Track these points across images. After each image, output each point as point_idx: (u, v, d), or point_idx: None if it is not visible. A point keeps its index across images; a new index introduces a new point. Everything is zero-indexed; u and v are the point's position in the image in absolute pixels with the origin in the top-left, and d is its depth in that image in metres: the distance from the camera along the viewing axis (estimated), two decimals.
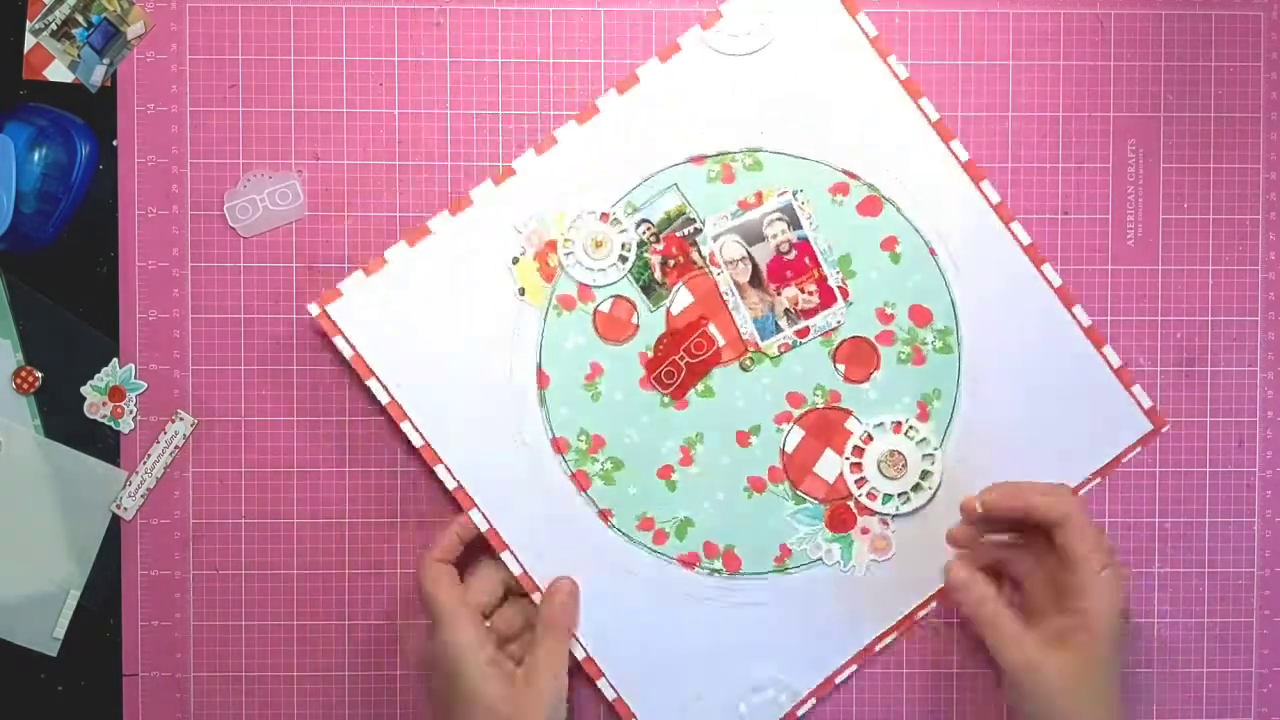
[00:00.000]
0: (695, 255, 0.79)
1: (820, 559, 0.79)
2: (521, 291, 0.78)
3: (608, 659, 0.79)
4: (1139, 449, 0.80)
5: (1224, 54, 0.80)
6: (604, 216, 0.78)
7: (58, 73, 0.78)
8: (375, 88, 0.79)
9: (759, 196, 0.79)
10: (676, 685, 0.79)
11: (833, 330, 0.79)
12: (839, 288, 0.79)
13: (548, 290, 0.78)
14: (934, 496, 0.79)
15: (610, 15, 0.79)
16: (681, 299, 0.79)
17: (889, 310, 0.79)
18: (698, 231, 0.79)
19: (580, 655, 0.78)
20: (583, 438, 0.79)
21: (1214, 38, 0.80)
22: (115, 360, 0.79)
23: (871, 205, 0.79)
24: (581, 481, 0.79)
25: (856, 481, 0.79)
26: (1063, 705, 0.70)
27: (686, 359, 0.79)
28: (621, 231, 0.78)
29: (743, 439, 0.79)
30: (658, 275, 0.79)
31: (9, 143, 0.76)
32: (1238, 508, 0.80)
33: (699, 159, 0.79)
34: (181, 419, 0.79)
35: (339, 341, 0.77)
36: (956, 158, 0.79)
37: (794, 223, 0.79)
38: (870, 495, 0.79)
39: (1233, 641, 0.81)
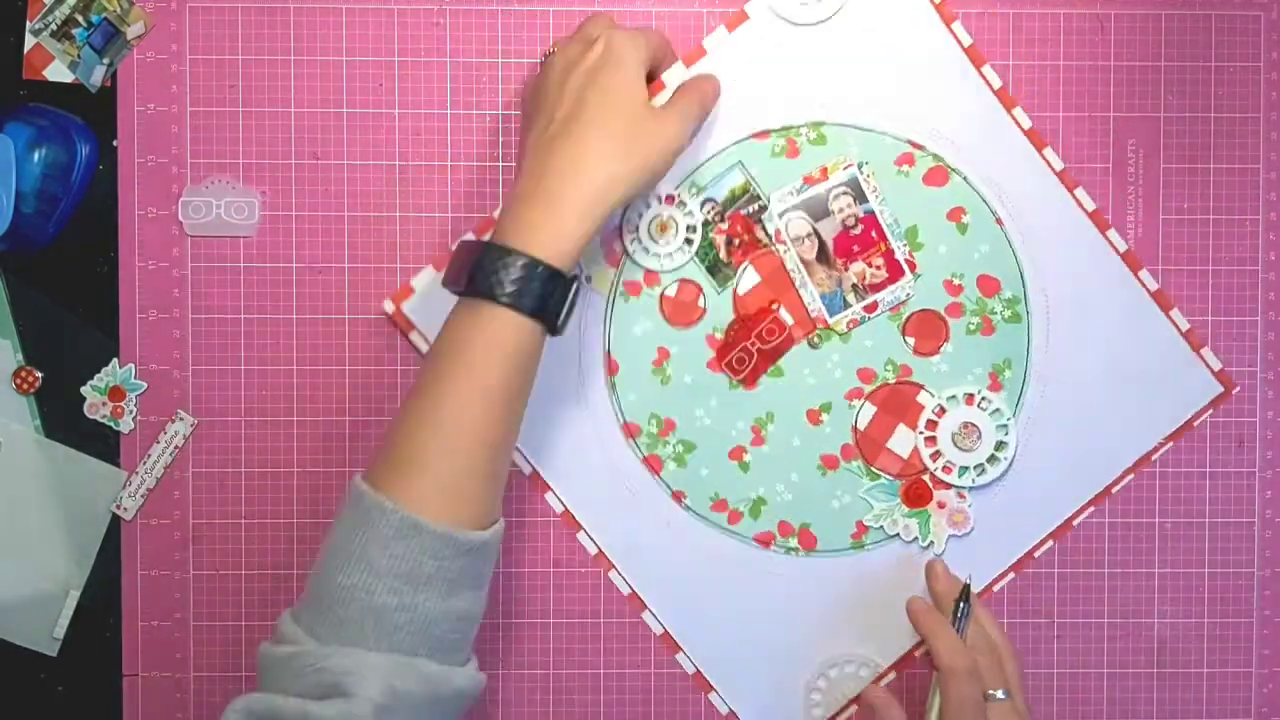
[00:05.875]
0: (761, 233, 0.78)
1: (898, 535, 0.79)
2: (588, 279, 0.78)
3: (686, 634, 0.79)
4: (1210, 411, 0.80)
5: (1224, 54, 0.80)
6: (669, 199, 0.78)
7: (58, 73, 0.78)
8: (375, 88, 0.79)
9: (824, 171, 0.78)
10: (756, 660, 0.79)
11: (901, 304, 0.79)
12: (906, 260, 0.79)
13: (613, 275, 0.78)
14: (1010, 467, 0.79)
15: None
16: (748, 278, 0.79)
17: (957, 281, 0.79)
18: (763, 209, 0.78)
19: (658, 630, 0.79)
20: (654, 421, 0.79)
21: (1214, 38, 0.80)
22: (115, 360, 0.79)
23: (938, 176, 0.78)
24: (654, 465, 0.79)
25: (931, 455, 0.79)
26: None
27: (758, 345, 0.79)
28: (687, 213, 0.78)
29: (814, 417, 0.79)
30: (723, 255, 0.78)
31: (9, 143, 0.76)
32: (1238, 508, 0.80)
33: (763, 134, 0.78)
34: (181, 419, 0.79)
35: (414, 337, 0.78)
36: (1019, 124, 0.78)
37: (860, 196, 0.78)
38: (945, 469, 0.79)
39: (1233, 641, 0.81)
